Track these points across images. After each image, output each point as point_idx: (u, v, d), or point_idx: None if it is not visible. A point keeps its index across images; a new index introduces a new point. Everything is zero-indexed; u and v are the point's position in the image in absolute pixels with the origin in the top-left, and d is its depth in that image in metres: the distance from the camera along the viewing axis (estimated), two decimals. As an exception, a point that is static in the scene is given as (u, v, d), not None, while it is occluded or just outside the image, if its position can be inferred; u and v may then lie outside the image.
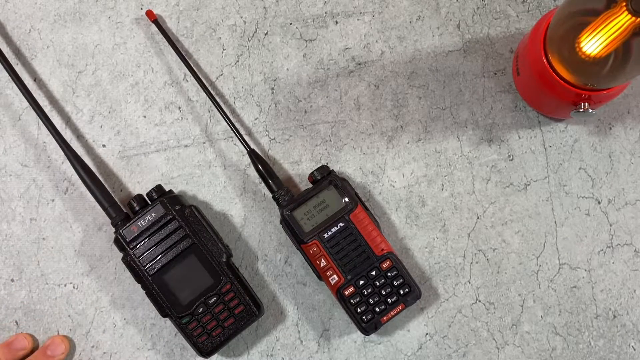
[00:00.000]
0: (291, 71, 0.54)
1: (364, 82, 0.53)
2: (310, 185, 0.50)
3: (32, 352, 0.49)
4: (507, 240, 0.51)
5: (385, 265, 0.47)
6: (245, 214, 0.52)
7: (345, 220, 0.48)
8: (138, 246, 0.47)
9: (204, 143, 0.53)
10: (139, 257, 0.47)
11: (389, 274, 0.47)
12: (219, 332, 0.47)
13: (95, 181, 0.49)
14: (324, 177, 0.49)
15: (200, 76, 0.52)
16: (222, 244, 0.48)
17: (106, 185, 0.49)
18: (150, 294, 0.47)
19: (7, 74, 0.51)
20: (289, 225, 0.48)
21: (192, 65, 0.52)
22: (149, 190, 0.49)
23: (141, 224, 0.47)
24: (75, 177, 0.50)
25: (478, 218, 0.51)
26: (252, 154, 0.50)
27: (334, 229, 0.47)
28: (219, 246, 0.48)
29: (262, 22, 0.54)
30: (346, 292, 0.47)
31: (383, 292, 0.47)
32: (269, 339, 0.50)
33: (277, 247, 0.51)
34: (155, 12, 0.54)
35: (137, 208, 0.48)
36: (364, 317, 0.47)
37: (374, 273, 0.47)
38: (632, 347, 0.50)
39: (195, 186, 0.52)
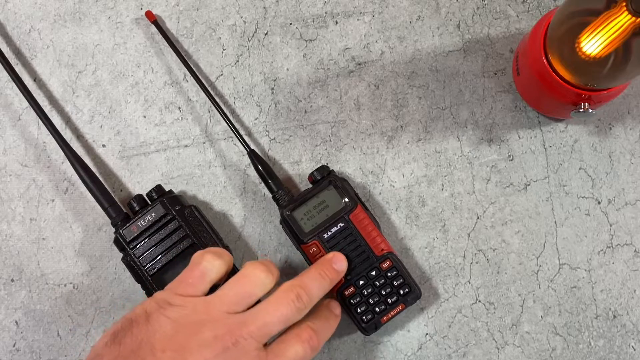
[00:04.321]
0: (291, 71, 0.54)
1: (364, 82, 0.53)
2: (310, 185, 0.50)
3: None
4: (507, 240, 0.51)
5: (385, 265, 0.47)
6: (245, 214, 0.52)
7: (345, 221, 0.48)
8: (138, 246, 0.47)
9: (204, 143, 0.53)
10: (139, 257, 0.47)
11: (389, 274, 0.47)
12: (219, 332, 0.47)
13: (95, 181, 0.49)
14: (324, 177, 0.49)
15: (200, 76, 0.52)
16: (222, 244, 0.48)
17: (106, 185, 0.49)
18: (150, 294, 0.47)
19: (7, 74, 0.51)
20: (289, 226, 0.48)
21: (192, 66, 0.52)
22: (149, 190, 0.49)
23: (141, 224, 0.47)
24: (75, 177, 0.50)
25: (478, 218, 0.51)
26: (252, 154, 0.50)
27: (334, 229, 0.47)
28: (219, 246, 0.48)
29: (262, 22, 0.54)
30: (346, 292, 0.47)
31: (383, 292, 0.47)
32: (269, 339, 0.50)
33: (277, 247, 0.51)
34: (155, 12, 0.54)
35: (137, 208, 0.48)
36: (364, 317, 0.47)
37: (374, 273, 0.47)
38: (632, 347, 0.50)
39: (195, 186, 0.52)
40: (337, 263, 0.45)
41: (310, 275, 0.43)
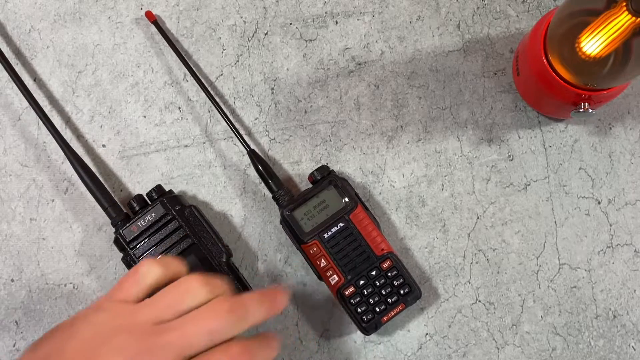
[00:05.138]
0: (291, 71, 0.54)
1: (364, 82, 0.53)
2: (310, 185, 0.50)
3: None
4: (507, 240, 0.51)
5: (386, 265, 0.47)
6: (245, 214, 0.52)
7: (345, 220, 0.48)
8: (138, 246, 0.47)
9: (204, 143, 0.53)
10: (139, 257, 0.47)
11: (389, 274, 0.47)
12: (219, 332, 0.47)
13: (95, 181, 0.49)
14: (324, 177, 0.49)
15: (200, 76, 0.52)
16: (222, 244, 0.48)
17: (106, 185, 0.49)
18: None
19: (7, 74, 0.51)
20: (289, 225, 0.48)
21: (192, 66, 0.52)
22: (149, 190, 0.49)
23: (141, 224, 0.47)
24: (75, 177, 0.50)
25: (478, 218, 0.51)
26: (252, 154, 0.50)
27: (334, 229, 0.47)
28: (219, 246, 0.48)
29: (262, 22, 0.54)
30: (346, 292, 0.47)
31: (383, 292, 0.47)
32: (269, 339, 0.50)
33: (277, 247, 0.51)
34: (155, 12, 0.54)
35: (137, 208, 0.48)
36: (364, 317, 0.47)
37: (374, 273, 0.47)
38: (632, 347, 0.50)
39: (195, 186, 0.52)
40: (280, 296, 0.41)
41: (249, 295, 0.39)
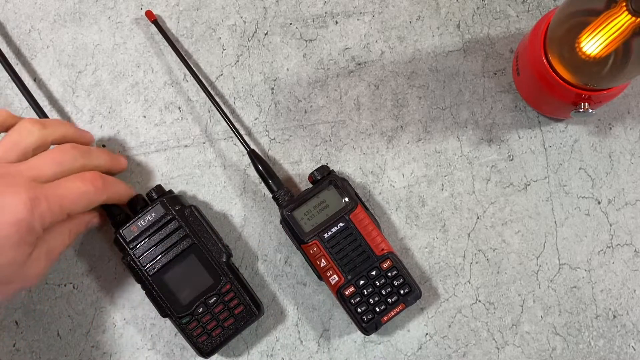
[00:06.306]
0: (291, 71, 0.54)
1: (364, 82, 0.53)
2: (310, 185, 0.50)
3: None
4: (507, 240, 0.51)
5: (386, 265, 0.47)
6: (245, 214, 0.52)
7: (346, 220, 0.48)
8: (138, 246, 0.47)
9: (204, 143, 0.53)
10: (139, 257, 0.47)
11: (389, 274, 0.47)
12: (219, 332, 0.47)
13: (96, 181, 0.49)
14: (324, 177, 0.49)
15: (200, 76, 0.52)
16: (222, 244, 0.48)
17: (106, 185, 0.49)
18: (150, 294, 0.47)
19: (7, 74, 0.51)
20: (289, 225, 0.48)
21: (192, 65, 0.52)
22: (149, 190, 0.49)
23: (141, 224, 0.47)
24: (75, 177, 0.50)
25: (478, 218, 0.51)
26: (252, 154, 0.50)
27: (334, 229, 0.47)
28: (219, 246, 0.48)
29: (262, 22, 0.54)
30: (346, 292, 0.47)
31: (383, 292, 0.47)
32: (269, 339, 0.50)
33: (277, 247, 0.51)
34: (155, 12, 0.54)
35: (137, 208, 0.48)
36: (365, 317, 0.47)
37: (374, 273, 0.47)
38: (632, 347, 0.50)
39: (195, 186, 0.52)
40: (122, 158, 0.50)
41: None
